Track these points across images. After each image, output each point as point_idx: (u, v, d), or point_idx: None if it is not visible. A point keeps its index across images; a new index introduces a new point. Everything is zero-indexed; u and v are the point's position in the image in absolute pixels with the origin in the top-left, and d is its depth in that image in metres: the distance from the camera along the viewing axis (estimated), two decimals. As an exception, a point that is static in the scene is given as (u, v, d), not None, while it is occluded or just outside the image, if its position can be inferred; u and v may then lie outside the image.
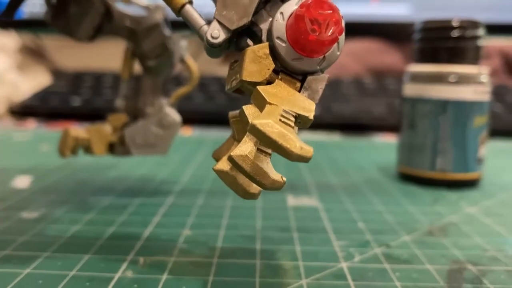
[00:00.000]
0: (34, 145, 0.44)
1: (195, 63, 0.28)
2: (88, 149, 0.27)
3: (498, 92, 0.62)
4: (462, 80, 0.30)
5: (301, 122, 0.14)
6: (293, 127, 0.14)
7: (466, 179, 0.31)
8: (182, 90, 0.28)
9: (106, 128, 0.27)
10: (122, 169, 0.35)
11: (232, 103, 0.59)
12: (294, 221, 0.24)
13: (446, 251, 0.21)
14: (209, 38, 0.15)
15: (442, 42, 0.31)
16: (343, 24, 0.14)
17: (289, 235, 0.22)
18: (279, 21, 0.15)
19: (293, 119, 0.14)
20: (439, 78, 0.31)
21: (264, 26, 0.16)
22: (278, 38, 0.15)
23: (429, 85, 0.31)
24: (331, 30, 0.14)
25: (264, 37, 0.15)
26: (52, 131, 0.53)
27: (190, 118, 0.56)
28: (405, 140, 0.33)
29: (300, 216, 0.25)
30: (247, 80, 0.15)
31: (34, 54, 0.81)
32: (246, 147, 0.14)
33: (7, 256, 0.19)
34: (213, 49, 0.15)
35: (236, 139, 0.17)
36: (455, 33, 0.31)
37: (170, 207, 0.26)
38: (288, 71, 0.15)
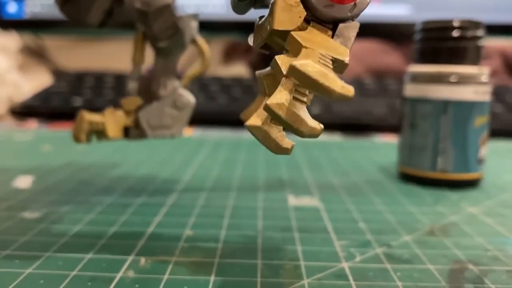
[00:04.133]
0: (35, 145, 0.44)
1: (206, 43, 0.27)
2: (102, 133, 0.26)
3: (498, 92, 0.62)
4: (463, 80, 0.30)
5: (337, 67, 0.14)
6: (331, 68, 0.14)
7: (467, 179, 0.31)
8: (194, 71, 0.28)
9: (120, 112, 0.27)
10: (123, 169, 0.35)
11: (233, 103, 0.59)
12: (295, 221, 0.24)
13: (447, 251, 0.21)
14: None
15: (442, 43, 0.31)
16: None
17: (290, 235, 0.22)
18: None
19: (330, 62, 0.14)
20: (439, 78, 0.31)
21: None
22: None
23: (429, 85, 0.31)
24: None
25: None
26: (53, 131, 0.53)
27: (191, 118, 0.56)
28: (406, 140, 0.33)
29: (301, 216, 0.25)
30: (279, 29, 0.15)
31: (35, 55, 0.81)
32: (281, 95, 0.13)
33: (9, 256, 0.19)
34: (240, 4, 0.15)
35: (267, 94, 0.16)
36: (455, 34, 0.31)
37: (172, 207, 0.26)
38: (319, 20, 0.15)
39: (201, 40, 0.27)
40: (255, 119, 0.14)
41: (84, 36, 0.81)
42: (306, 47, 0.14)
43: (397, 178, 0.34)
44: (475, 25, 0.31)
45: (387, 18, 0.70)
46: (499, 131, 0.55)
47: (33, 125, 0.58)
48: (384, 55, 0.73)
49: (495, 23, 0.65)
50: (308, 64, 0.13)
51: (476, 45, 0.31)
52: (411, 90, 0.32)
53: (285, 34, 0.15)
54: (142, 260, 0.19)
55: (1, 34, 0.69)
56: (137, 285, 0.17)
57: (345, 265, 0.19)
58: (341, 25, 0.15)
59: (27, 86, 0.67)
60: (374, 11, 0.70)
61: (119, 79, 0.69)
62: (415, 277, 0.18)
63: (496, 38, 0.70)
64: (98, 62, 0.76)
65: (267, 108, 0.13)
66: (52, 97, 0.63)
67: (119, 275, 0.17)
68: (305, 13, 0.15)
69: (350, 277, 0.18)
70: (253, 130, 0.14)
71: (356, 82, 0.66)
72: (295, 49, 0.14)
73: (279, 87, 0.14)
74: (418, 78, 0.32)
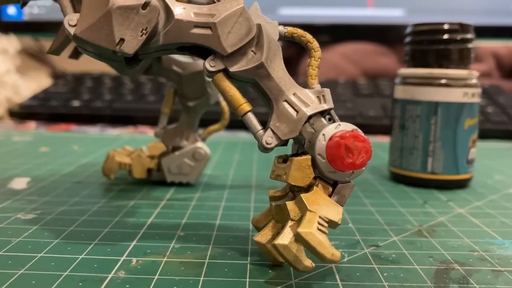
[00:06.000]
0: (33, 147, 0.44)
1: (228, 107, 0.31)
2: (129, 172, 0.31)
3: (490, 93, 0.62)
4: (452, 82, 0.31)
5: (330, 225, 0.18)
6: (326, 233, 0.17)
7: (457, 180, 0.32)
8: (214, 128, 0.32)
9: (145, 155, 0.30)
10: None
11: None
12: (286, 222, 0.24)
13: (434, 252, 0.21)
14: (264, 143, 0.19)
15: (432, 45, 0.31)
16: (371, 151, 0.18)
17: (280, 236, 0.22)
18: (321, 141, 0.18)
19: (326, 225, 0.17)
20: (429, 80, 0.31)
21: (307, 136, 0.19)
22: (319, 154, 0.18)
23: (419, 87, 0.31)
24: (362, 157, 0.18)
25: (306, 145, 0.19)
26: (51, 132, 0.53)
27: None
28: (396, 142, 0.33)
29: (292, 217, 0.25)
30: (292, 183, 0.19)
31: (34, 57, 0.82)
32: (309, 225, 0.17)
33: (2, 257, 0.19)
34: (265, 151, 0.19)
35: (275, 219, 0.20)
36: (445, 36, 0.31)
37: (163, 208, 0.26)
38: (323, 178, 0.19)
39: (224, 103, 0.31)
40: (283, 239, 0.17)
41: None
42: (310, 211, 0.17)
43: (387, 179, 0.34)
44: (465, 28, 0.31)
45: (381, 21, 0.70)
46: (490, 132, 0.55)
47: (31, 127, 0.58)
48: (378, 57, 0.74)
49: (487, 26, 0.65)
50: (310, 233, 0.16)
51: (465, 48, 0.31)
52: (401, 92, 0.33)
53: (298, 186, 0.19)
54: (134, 260, 0.19)
55: (0, 36, 0.69)
56: (127, 286, 0.17)
57: (333, 265, 0.19)
58: (339, 185, 0.19)
59: (25, 88, 0.68)
60: (368, 14, 0.70)
61: (117, 81, 0.69)
62: (401, 277, 0.18)
63: (488, 40, 0.71)
64: (96, 65, 0.76)
65: (297, 235, 0.17)
66: (51, 98, 0.63)
67: (110, 276, 0.18)
68: (314, 174, 0.19)
69: (337, 277, 0.18)
70: (281, 249, 0.17)
71: (350, 83, 0.67)
72: (302, 208, 0.18)
73: (307, 218, 0.17)
74: (408, 80, 0.32)
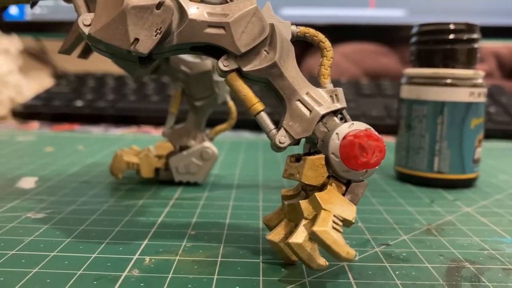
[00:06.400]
0: (38, 146, 0.44)
1: (235, 106, 0.31)
2: (137, 172, 0.31)
3: (492, 93, 0.63)
4: (459, 82, 0.31)
5: (345, 223, 0.18)
6: (341, 232, 0.17)
7: (463, 180, 0.32)
8: (221, 127, 0.32)
9: (152, 154, 0.30)
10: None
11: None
12: (295, 221, 0.25)
13: (444, 250, 0.21)
14: (277, 143, 0.19)
15: (438, 45, 0.32)
16: (385, 150, 0.18)
17: (291, 235, 0.22)
18: (335, 140, 0.18)
19: (341, 223, 0.18)
20: (436, 80, 0.31)
21: (320, 135, 0.19)
22: (333, 153, 0.18)
23: (425, 87, 0.31)
24: (376, 156, 0.18)
25: (319, 144, 0.19)
26: (55, 132, 0.53)
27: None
28: (403, 141, 0.33)
29: (301, 216, 0.25)
30: (306, 182, 0.19)
31: (36, 57, 0.81)
32: (324, 224, 0.17)
33: (15, 255, 0.19)
34: (278, 150, 0.19)
35: (288, 218, 0.20)
36: (451, 36, 0.31)
37: (173, 207, 0.26)
38: (337, 177, 0.19)
39: (231, 103, 0.31)
40: (297, 238, 0.17)
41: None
42: (324, 210, 0.18)
43: (394, 179, 0.35)
44: (471, 28, 0.31)
45: (382, 21, 0.70)
46: (494, 131, 0.55)
47: (34, 127, 0.58)
48: (379, 57, 0.74)
49: (488, 26, 0.66)
50: (325, 232, 0.17)
51: (471, 48, 0.31)
52: (407, 92, 0.33)
53: (312, 185, 0.19)
54: (147, 259, 0.19)
55: (2, 36, 0.69)
56: (142, 284, 0.17)
57: (345, 263, 0.20)
58: (353, 184, 0.19)
59: (28, 88, 0.68)
60: (369, 14, 0.71)
61: (120, 81, 0.69)
62: (413, 276, 0.19)
63: (490, 41, 0.71)
64: (98, 65, 0.76)
65: (313, 234, 0.17)
66: (54, 98, 0.63)
67: (124, 274, 0.18)
68: (327, 173, 0.19)
69: (350, 276, 0.18)
70: (295, 247, 0.17)
71: (353, 83, 0.67)
72: (316, 207, 0.18)
73: (321, 217, 0.17)
74: (414, 80, 0.32)
